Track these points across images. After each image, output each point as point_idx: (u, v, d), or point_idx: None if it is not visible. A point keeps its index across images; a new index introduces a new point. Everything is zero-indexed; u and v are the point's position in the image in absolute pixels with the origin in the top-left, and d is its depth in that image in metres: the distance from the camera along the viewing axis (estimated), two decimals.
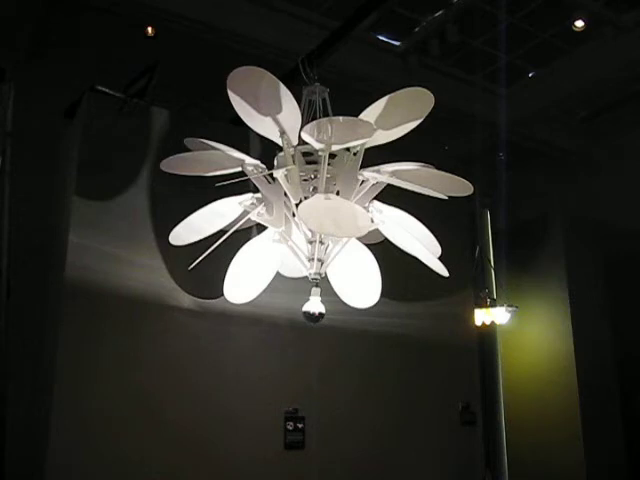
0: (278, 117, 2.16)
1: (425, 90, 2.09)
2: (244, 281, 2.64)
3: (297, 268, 2.54)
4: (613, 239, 5.70)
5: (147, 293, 3.49)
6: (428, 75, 4.66)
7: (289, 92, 2.08)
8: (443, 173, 2.31)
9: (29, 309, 3.54)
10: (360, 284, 2.61)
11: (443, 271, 2.45)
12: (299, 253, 2.44)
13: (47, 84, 3.97)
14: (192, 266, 2.74)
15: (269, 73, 2.02)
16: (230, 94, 2.08)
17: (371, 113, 2.15)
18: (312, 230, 2.32)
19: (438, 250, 2.61)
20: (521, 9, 4.07)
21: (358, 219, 2.15)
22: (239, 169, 2.45)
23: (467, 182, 2.29)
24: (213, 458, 3.48)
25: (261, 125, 2.22)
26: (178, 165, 2.45)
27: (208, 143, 2.45)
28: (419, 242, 2.42)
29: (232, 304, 2.72)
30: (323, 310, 2.36)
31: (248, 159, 2.43)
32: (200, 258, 2.68)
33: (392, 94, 2.11)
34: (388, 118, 2.16)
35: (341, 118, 2.06)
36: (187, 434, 3.42)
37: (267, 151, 2.56)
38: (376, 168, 2.40)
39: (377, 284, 2.58)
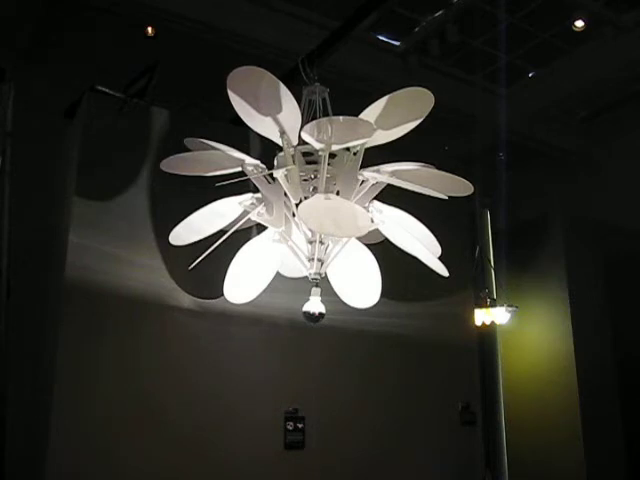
0: (278, 117, 2.15)
1: (425, 90, 2.09)
2: (244, 281, 2.63)
3: (297, 268, 2.54)
4: (613, 239, 5.70)
5: (147, 293, 3.49)
6: (428, 75, 4.66)
7: (289, 92, 2.07)
8: (443, 173, 2.31)
9: (29, 309, 3.54)
10: (360, 284, 2.60)
11: (443, 271, 2.44)
12: (299, 253, 2.44)
13: (47, 84, 3.98)
14: (192, 266, 2.74)
15: (269, 73, 2.01)
16: (230, 94, 2.07)
17: (371, 113, 2.15)
18: (312, 230, 2.32)
19: (438, 250, 2.61)
20: (521, 9, 4.07)
21: (358, 219, 2.15)
22: (239, 169, 2.45)
23: (467, 182, 2.29)
24: (213, 458, 3.48)
25: (261, 125, 2.21)
26: (178, 165, 2.45)
27: (208, 143, 2.44)
28: (419, 242, 2.42)
29: (232, 304, 2.72)
30: (323, 310, 2.36)
31: (248, 159, 2.43)
32: (200, 258, 2.68)
33: (392, 94, 2.10)
34: (388, 118, 2.16)
35: (341, 118, 2.05)
36: (187, 434, 3.42)
37: (267, 151, 2.56)
38: (376, 168, 2.40)
39: (377, 284, 2.58)
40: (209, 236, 2.64)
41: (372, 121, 2.12)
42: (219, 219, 2.59)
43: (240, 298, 2.66)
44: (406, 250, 2.49)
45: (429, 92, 2.09)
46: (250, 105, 2.11)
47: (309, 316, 2.34)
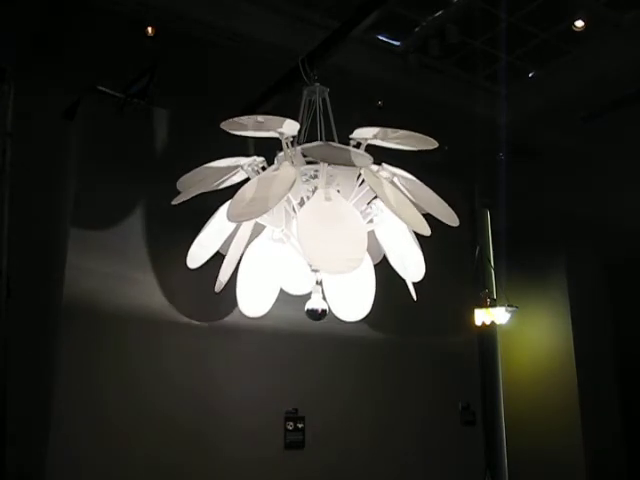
0: (279, 130, 2.23)
1: (431, 140, 2.20)
2: (256, 294, 2.58)
3: (300, 286, 2.54)
4: (613, 239, 5.70)
5: (145, 297, 3.49)
6: (428, 75, 4.65)
7: (278, 117, 2.16)
8: (438, 198, 2.35)
9: (29, 308, 3.53)
10: (352, 297, 2.54)
11: (413, 294, 2.47)
12: (299, 248, 2.42)
13: (47, 84, 3.97)
14: (219, 289, 2.63)
15: (252, 117, 2.16)
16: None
17: (374, 130, 2.19)
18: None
19: (421, 272, 2.57)
20: (521, 9, 4.06)
21: (354, 250, 2.13)
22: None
23: (455, 216, 2.37)
24: (213, 458, 3.48)
25: (264, 134, 2.26)
26: (186, 195, 2.47)
27: (199, 170, 2.48)
28: (403, 260, 2.45)
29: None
30: (326, 307, 2.35)
31: (243, 160, 2.45)
32: (225, 275, 2.58)
33: (400, 133, 2.15)
34: (389, 138, 2.20)
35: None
36: (188, 434, 3.42)
37: (266, 150, 2.56)
38: (378, 167, 2.41)
39: (369, 298, 2.54)
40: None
41: (372, 134, 2.22)
42: (225, 226, 2.57)
43: (256, 311, 2.61)
44: (389, 259, 2.51)
45: (435, 141, 2.23)
46: (249, 130, 2.24)
47: (312, 313, 2.33)
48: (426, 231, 2.23)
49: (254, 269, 2.56)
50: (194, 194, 2.45)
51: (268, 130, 2.22)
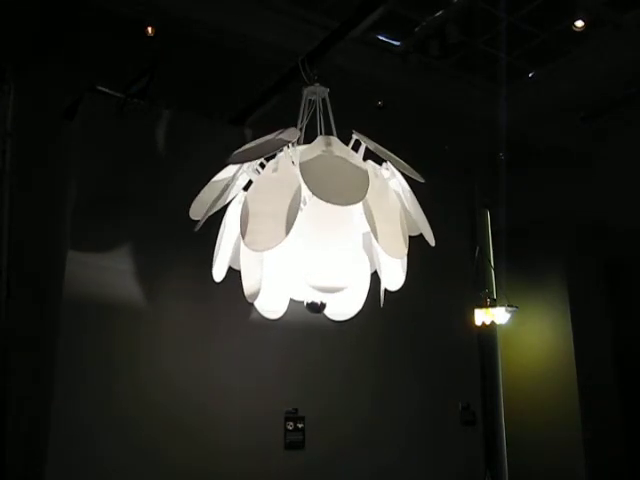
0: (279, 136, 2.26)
1: (415, 173, 2.24)
2: (272, 294, 2.47)
3: (302, 292, 2.52)
4: (613, 239, 5.71)
5: (147, 296, 3.49)
6: (428, 75, 4.66)
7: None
8: (425, 220, 2.37)
9: (29, 308, 3.54)
10: (342, 297, 2.41)
11: (382, 301, 2.47)
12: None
13: (47, 84, 3.98)
14: (254, 299, 2.57)
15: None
16: None
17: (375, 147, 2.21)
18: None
19: (399, 283, 2.53)
20: (521, 9, 4.07)
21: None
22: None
23: (433, 238, 2.37)
24: (213, 458, 3.48)
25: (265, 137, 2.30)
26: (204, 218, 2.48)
27: (207, 189, 2.49)
28: (385, 265, 2.44)
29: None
30: (326, 300, 2.32)
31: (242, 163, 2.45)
32: (252, 285, 2.55)
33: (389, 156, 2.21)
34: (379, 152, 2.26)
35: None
36: (187, 434, 3.42)
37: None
38: (380, 167, 2.42)
39: (360, 300, 2.47)
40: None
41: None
42: (234, 230, 2.55)
43: (275, 312, 2.51)
44: (375, 263, 2.51)
45: (419, 176, 2.26)
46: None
47: (312, 306, 2.30)
48: (401, 255, 2.22)
49: (266, 269, 2.53)
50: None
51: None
